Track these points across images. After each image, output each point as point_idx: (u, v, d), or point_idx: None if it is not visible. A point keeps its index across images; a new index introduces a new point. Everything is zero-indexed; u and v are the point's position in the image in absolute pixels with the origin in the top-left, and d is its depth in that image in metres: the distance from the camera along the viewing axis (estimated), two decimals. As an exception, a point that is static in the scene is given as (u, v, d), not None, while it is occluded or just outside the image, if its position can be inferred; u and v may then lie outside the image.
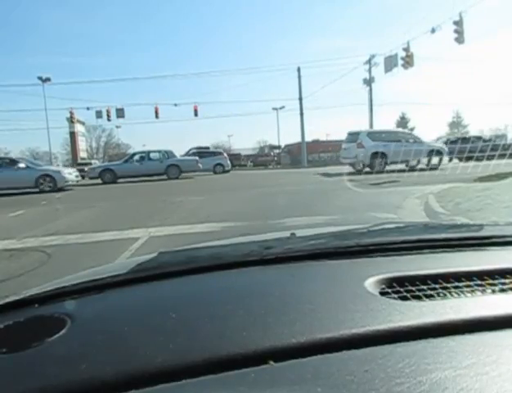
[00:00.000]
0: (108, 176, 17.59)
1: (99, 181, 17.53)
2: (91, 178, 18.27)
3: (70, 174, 15.21)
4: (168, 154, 18.52)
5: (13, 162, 14.67)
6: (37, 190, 13.77)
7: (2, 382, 0.44)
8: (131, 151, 29.24)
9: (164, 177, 17.76)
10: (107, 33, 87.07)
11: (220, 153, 25.19)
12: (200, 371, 0.42)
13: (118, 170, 17.85)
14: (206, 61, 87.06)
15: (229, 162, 24.41)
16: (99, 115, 31.83)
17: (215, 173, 22.34)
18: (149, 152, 19.23)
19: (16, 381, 0.44)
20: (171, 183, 15.31)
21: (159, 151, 18.99)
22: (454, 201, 6.13)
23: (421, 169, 13.92)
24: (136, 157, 18.79)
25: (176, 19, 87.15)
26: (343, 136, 17.77)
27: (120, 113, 31.24)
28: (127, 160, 18.95)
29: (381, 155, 14.45)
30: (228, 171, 23.66)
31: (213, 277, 0.72)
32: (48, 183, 14.08)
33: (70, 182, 14.96)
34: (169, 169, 17.92)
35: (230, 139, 57.35)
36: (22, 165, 14.38)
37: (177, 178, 17.60)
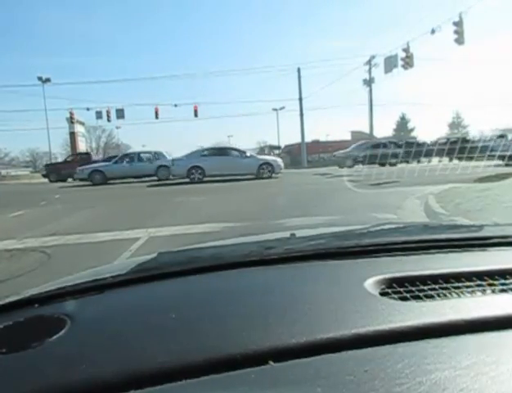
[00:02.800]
0: (97, 177, 17.36)
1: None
2: (80, 180, 18.07)
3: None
4: (158, 155, 18.38)
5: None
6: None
7: (2, 382, 0.44)
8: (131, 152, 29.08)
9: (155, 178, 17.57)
10: (107, 34, 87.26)
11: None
12: (200, 371, 0.42)
13: (107, 172, 17.68)
14: (206, 62, 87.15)
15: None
16: (99, 115, 31.87)
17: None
18: (139, 153, 19.13)
19: (16, 381, 0.44)
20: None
21: (149, 153, 18.89)
22: (454, 201, 6.14)
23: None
24: (126, 158, 18.62)
25: (176, 19, 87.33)
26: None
27: (120, 113, 31.27)
28: (116, 161, 18.80)
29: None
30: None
31: (213, 277, 0.72)
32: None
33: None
34: (159, 170, 17.71)
35: (230, 139, 57.36)
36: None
37: (166, 179, 17.34)
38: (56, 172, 23.21)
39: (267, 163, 15.62)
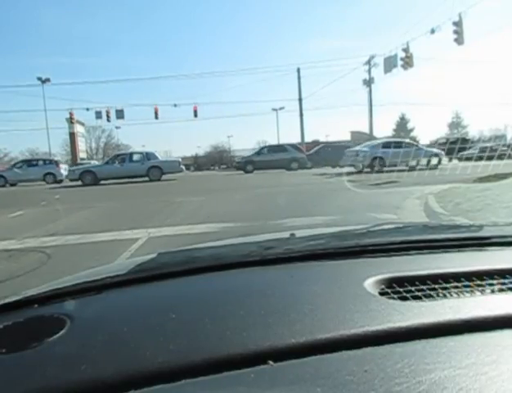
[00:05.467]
0: (88, 178, 17.30)
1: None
2: (71, 180, 18.02)
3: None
4: (149, 155, 18.37)
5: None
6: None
7: (2, 382, 0.44)
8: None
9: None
10: (107, 34, 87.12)
11: (52, 161, 22.56)
12: (200, 371, 0.42)
13: (98, 172, 17.65)
14: (206, 62, 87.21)
15: (62, 172, 21.29)
16: (98, 115, 31.92)
17: (47, 182, 19.77)
18: (130, 154, 19.16)
19: (16, 381, 0.44)
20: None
21: (141, 153, 18.93)
22: (454, 201, 6.14)
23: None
24: (118, 159, 18.61)
25: (176, 19, 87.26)
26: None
27: (120, 114, 31.32)
28: (108, 161, 18.82)
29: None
30: (61, 181, 20.76)
31: (213, 277, 0.72)
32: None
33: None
34: (151, 170, 17.72)
35: (230, 140, 57.39)
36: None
37: (158, 179, 17.40)
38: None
39: (436, 154, 17.12)
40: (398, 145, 16.76)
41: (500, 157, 13.84)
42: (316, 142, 37.33)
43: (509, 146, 17.48)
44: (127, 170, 17.79)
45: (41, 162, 22.43)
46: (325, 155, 25.32)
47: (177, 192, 11.21)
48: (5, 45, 74.80)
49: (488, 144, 18.24)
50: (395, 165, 15.35)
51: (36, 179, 20.81)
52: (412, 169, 14.69)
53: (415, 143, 18.58)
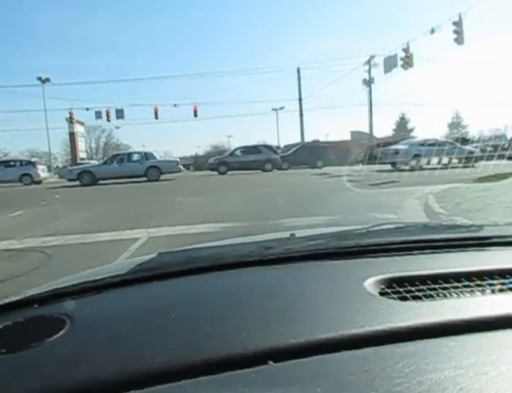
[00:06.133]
0: (86, 178, 17.28)
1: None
2: (69, 180, 17.97)
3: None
4: (147, 155, 18.34)
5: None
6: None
7: (2, 382, 0.44)
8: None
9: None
10: (107, 34, 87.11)
11: (29, 162, 22.31)
12: (200, 371, 0.42)
13: (96, 172, 17.64)
14: (206, 62, 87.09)
15: (40, 173, 21.34)
16: (98, 115, 31.93)
17: (24, 184, 19.71)
18: (128, 154, 19.15)
19: (16, 381, 0.44)
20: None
21: (139, 153, 18.91)
22: (454, 201, 6.14)
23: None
24: (116, 159, 18.59)
25: (175, 20, 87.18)
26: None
27: (120, 114, 31.33)
28: (106, 161, 18.78)
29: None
30: (39, 182, 20.74)
31: (213, 277, 0.72)
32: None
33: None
34: (149, 170, 17.66)
35: (230, 140, 57.43)
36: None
37: (157, 179, 17.35)
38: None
39: (471, 152, 17.05)
40: (434, 143, 16.87)
41: (501, 157, 13.85)
42: (316, 142, 37.32)
43: (509, 145, 17.47)
44: (125, 170, 17.75)
45: (18, 163, 22.20)
46: (302, 155, 25.26)
47: (170, 192, 11.20)
48: (5, 45, 74.92)
49: (489, 143, 18.30)
50: (432, 163, 15.56)
51: (13, 180, 20.53)
52: (447, 166, 14.68)
53: (449, 141, 18.48)
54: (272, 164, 21.82)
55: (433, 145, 16.36)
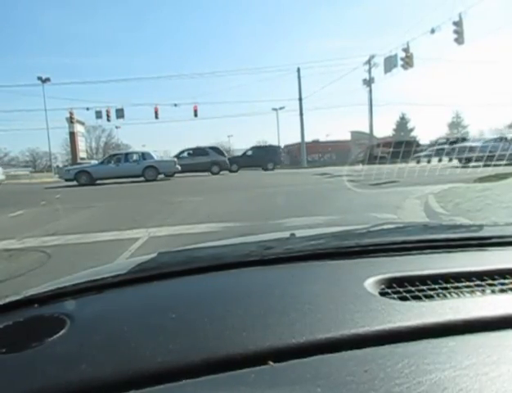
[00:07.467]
0: (84, 178, 17.27)
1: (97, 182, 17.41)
2: (66, 180, 17.92)
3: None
4: (145, 155, 18.33)
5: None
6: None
7: (2, 382, 0.44)
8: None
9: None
10: (107, 34, 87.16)
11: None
12: (200, 371, 0.42)
13: (94, 172, 17.61)
14: (206, 62, 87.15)
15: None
16: (99, 115, 31.95)
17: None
18: (126, 154, 19.13)
19: (16, 381, 0.44)
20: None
21: (136, 153, 18.92)
22: (454, 201, 6.14)
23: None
24: (113, 159, 18.56)
25: (176, 20, 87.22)
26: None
27: (120, 113, 31.32)
28: (103, 161, 18.76)
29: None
30: None
31: (213, 277, 0.72)
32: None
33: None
34: (146, 170, 17.65)
35: (230, 139, 57.47)
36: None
37: (154, 179, 17.32)
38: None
39: None
40: (501, 140, 17.01)
41: (501, 157, 13.83)
42: (316, 142, 37.36)
43: (509, 145, 17.47)
44: (122, 170, 17.74)
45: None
46: (253, 157, 25.49)
47: (170, 193, 11.21)
48: (5, 45, 74.89)
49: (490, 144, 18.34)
50: (502, 159, 15.46)
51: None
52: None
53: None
54: (219, 167, 21.95)
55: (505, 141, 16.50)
